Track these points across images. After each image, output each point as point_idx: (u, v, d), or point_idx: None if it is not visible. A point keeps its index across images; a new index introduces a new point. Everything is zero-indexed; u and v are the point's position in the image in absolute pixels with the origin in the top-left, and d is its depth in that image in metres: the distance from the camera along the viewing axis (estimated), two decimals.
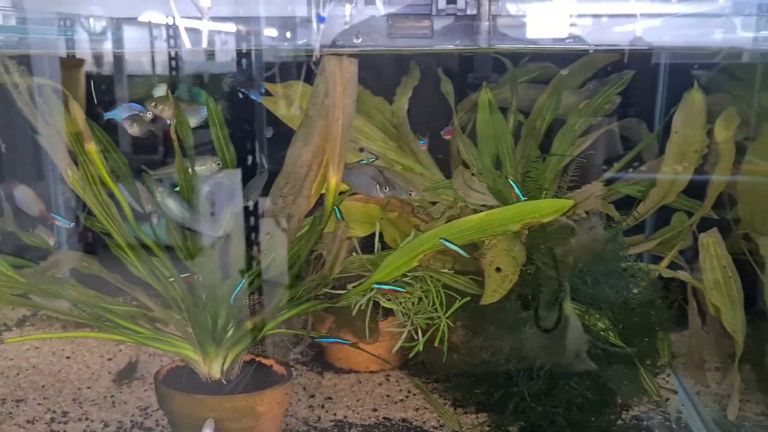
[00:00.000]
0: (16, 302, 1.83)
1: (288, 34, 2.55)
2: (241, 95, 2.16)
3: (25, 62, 1.62)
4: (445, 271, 1.82)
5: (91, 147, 1.59)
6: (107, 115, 1.75)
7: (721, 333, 1.94)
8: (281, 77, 2.43)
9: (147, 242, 1.73)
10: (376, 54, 2.49)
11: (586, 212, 2.04)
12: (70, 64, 2.33)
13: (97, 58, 2.64)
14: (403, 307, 1.78)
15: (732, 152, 1.83)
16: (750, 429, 1.88)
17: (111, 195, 1.66)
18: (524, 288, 1.88)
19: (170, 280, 1.74)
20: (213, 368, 1.83)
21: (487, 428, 1.95)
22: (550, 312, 1.88)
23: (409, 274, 1.79)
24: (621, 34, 2.33)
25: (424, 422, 2.00)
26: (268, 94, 2.15)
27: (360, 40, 1.87)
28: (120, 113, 1.69)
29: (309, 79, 2.43)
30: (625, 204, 2.22)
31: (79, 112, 1.56)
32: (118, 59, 2.67)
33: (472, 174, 1.99)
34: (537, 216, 1.64)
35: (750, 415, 1.97)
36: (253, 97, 2.04)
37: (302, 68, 2.45)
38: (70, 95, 1.59)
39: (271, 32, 2.70)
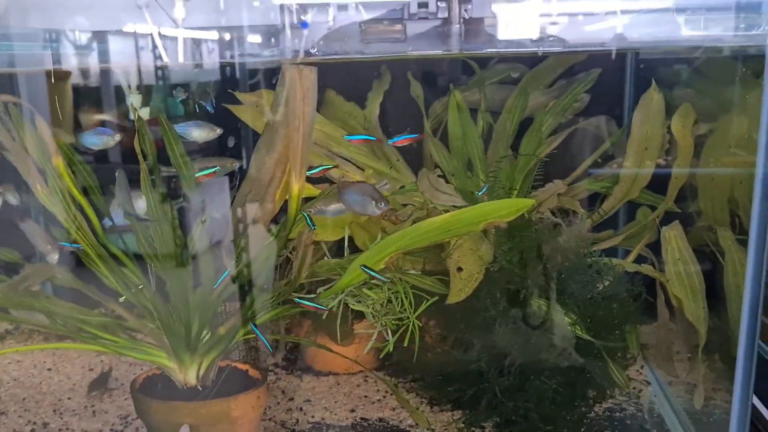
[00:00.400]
0: None
1: (272, 41, 2.59)
2: (196, 106, 2.19)
3: None
4: (413, 272, 1.85)
5: (59, 162, 1.62)
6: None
7: (688, 324, 1.97)
8: (266, 85, 2.48)
9: (116, 253, 1.76)
10: (351, 60, 2.53)
11: (552, 210, 2.08)
12: (56, 76, 2.36)
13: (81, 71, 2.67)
14: (373, 309, 1.81)
15: (690, 146, 1.87)
16: (719, 417, 1.91)
17: (81, 208, 1.69)
18: (494, 287, 1.92)
19: (140, 288, 1.77)
20: (188, 375, 1.85)
21: (462, 425, 1.98)
22: (523, 309, 1.91)
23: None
24: (592, 33, 2.38)
25: (400, 421, 2.03)
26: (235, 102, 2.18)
27: (316, 50, 1.90)
28: (88, 139, 1.71)
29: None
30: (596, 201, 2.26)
31: (45, 128, 1.59)
32: (104, 71, 2.70)
33: (439, 176, 2.02)
34: (499, 216, 1.68)
35: (720, 403, 2.00)
36: (207, 108, 2.07)
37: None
38: (35, 111, 1.62)
39: (254, 39, 2.74)
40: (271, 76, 2.45)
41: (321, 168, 1.78)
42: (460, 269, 1.75)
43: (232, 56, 2.46)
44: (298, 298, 1.76)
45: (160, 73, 2.58)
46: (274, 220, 1.70)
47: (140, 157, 1.63)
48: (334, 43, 2.19)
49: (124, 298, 1.77)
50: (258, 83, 2.49)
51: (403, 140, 1.81)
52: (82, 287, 1.79)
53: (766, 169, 1.33)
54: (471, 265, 1.78)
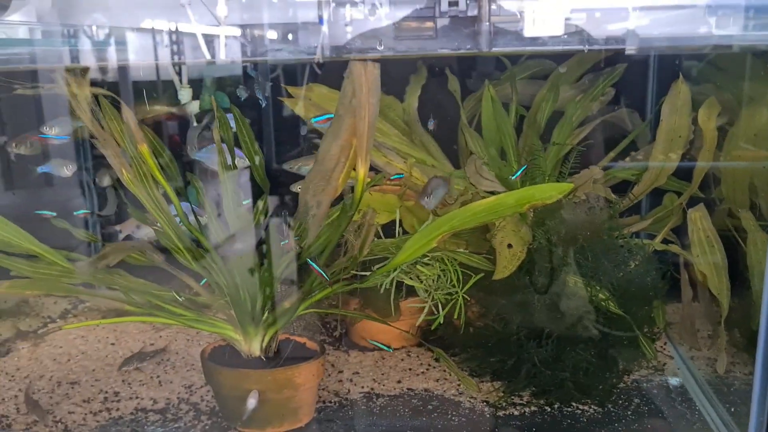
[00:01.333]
0: (72, 291, 2.02)
1: (290, 38, 2.75)
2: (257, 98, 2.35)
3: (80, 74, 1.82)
4: (461, 251, 2.02)
5: (144, 148, 1.78)
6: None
7: (710, 301, 2.14)
8: (285, 80, 2.64)
9: (196, 234, 1.92)
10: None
11: (586, 195, 2.24)
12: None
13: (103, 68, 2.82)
14: (425, 285, 1.98)
15: (714, 137, 2.03)
16: (738, 387, 2.08)
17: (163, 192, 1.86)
18: (532, 265, 2.08)
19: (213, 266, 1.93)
20: (253, 346, 2.02)
21: (502, 394, 2.14)
22: (552, 281, 2.08)
23: (428, 254, 1.99)
24: (615, 29, 2.54)
25: (444, 391, 2.19)
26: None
27: (382, 47, 2.06)
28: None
29: (314, 80, 2.64)
30: (623, 188, 2.42)
31: (131, 117, 1.75)
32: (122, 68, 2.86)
33: (483, 163, 2.18)
34: (541, 198, 1.85)
35: (739, 375, 2.16)
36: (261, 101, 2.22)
37: (305, 70, 2.66)
38: (123, 102, 1.79)
39: (272, 36, 2.88)
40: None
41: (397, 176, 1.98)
42: (510, 246, 1.91)
43: (265, 53, 2.63)
44: (309, 259, 1.91)
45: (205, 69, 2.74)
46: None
47: (218, 145, 1.79)
48: (368, 41, 2.35)
49: (204, 281, 1.93)
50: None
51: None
52: (160, 263, 1.95)
53: None
54: (515, 244, 1.94)
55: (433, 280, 1.96)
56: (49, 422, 2.02)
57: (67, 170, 2.23)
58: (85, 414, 2.08)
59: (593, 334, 2.03)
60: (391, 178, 2.02)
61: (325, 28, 2.51)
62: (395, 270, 1.98)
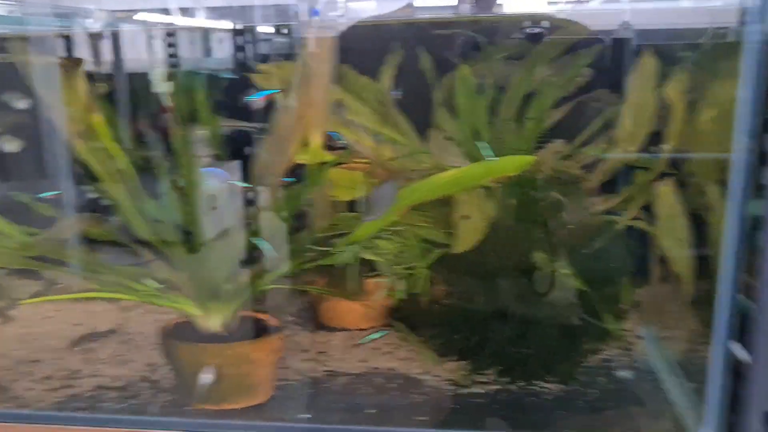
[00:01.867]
0: (29, 264, 2.00)
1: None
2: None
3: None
4: (423, 224, 1.99)
5: (98, 118, 1.76)
6: None
7: (678, 281, 2.10)
8: None
9: (152, 209, 1.90)
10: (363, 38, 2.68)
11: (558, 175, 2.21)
12: (68, 63, 2.51)
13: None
14: (385, 259, 1.96)
15: (683, 110, 1.99)
16: (703, 366, 2.05)
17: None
18: (498, 242, 2.05)
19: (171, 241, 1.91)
20: (213, 322, 2.00)
21: (466, 372, 2.12)
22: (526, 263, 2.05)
23: (390, 229, 1.97)
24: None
25: (409, 370, 2.17)
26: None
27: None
28: None
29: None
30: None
31: (83, 86, 1.73)
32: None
33: (448, 138, 2.16)
34: (503, 171, 1.83)
35: (705, 354, 2.13)
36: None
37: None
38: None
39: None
40: None
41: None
42: (466, 217, 1.88)
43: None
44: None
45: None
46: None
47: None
48: None
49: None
50: None
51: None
52: (115, 238, 1.94)
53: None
54: (477, 218, 1.92)
55: (394, 255, 1.93)
56: None
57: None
58: (44, 390, 2.07)
59: (556, 312, 2.00)
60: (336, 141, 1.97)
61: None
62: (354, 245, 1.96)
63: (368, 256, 1.95)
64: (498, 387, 2.06)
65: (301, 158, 1.81)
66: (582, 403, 1.96)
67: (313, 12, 2.65)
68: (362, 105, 2.57)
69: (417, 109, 2.63)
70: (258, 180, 1.81)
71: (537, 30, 2.74)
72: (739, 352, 1.63)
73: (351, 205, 2.20)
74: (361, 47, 2.83)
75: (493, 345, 2.07)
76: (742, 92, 1.48)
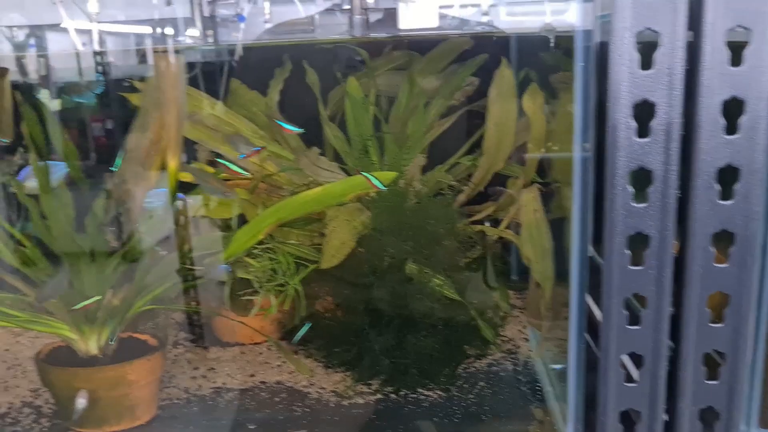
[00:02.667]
0: None
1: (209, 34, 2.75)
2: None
3: None
4: (292, 242, 2.02)
5: None
6: None
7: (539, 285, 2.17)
8: (204, 77, 2.62)
9: (15, 234, 1.89)
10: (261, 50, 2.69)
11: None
12: None
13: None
14: (255, 277, 1.98)
15: (541, 122, 2.06)
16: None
17: None
18: (372, 254, 2.09)
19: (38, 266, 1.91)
20: (89, 345, 2.00)
21: (350, 384, 2.15)
22: (398, 274, 2.10)
23: (258, 247, 1.99)
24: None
25: (295, 383, 2.20)
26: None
27: None
28: None
29: (232, 76, 2.64)
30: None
31: None
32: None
33: (320, 154, 2.19)
34: (366, 186, 1.86)
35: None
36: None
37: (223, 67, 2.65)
38: None
39: (192, 32, 2.87)
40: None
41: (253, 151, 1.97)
42: (323, 235, 1.92)
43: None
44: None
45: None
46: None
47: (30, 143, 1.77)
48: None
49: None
50: None
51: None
52: None
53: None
54: (344, 233, 1.95)
55: (264, 272, 1.96)
56: None
57: None
58: None
59: (432, 321, 2.05)
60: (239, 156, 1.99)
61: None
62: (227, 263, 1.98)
63: (240, 273, 1.97)
64: (379, 396, 2.10)
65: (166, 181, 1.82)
66: (459, 409, 2.01)
67: (239, 18, 2.66)
68: (243, 120, 2.58)
69: (308, 124, 2.66)
70: (118, 205, 1.81)
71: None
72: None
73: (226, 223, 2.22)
74: (252, 65, 2.85)
75: (372, 355, 2.11)
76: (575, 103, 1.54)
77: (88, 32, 2.64)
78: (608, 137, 1.29)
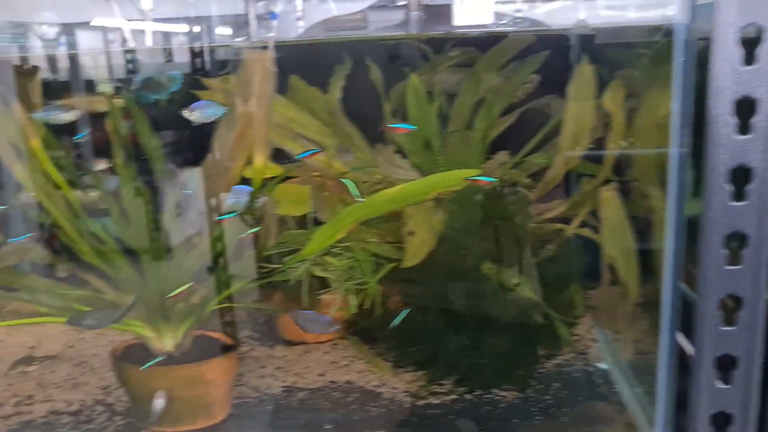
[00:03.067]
0: None
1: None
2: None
3: None
4: (371, 240, 2.00)
5: (35, 143, 1.73)
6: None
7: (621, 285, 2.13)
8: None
9: (96, 231, 1.88)
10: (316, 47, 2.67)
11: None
12: (24, 71, 2.47)
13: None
14: (335, 276, 1.95)
15: (621, 118, 2.02)
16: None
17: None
18: (449, 253, 2.06)
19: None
20: (165, 343, 1.98)
21: (423, 383, 2.13)
22: (476, 273, 2.07)
23: (338, 245, 1.96)
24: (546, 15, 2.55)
25: (366, 383, 2.17)
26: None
27: None
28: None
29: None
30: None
31: (21, 112, 1.70)
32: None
33: (395, 152, 2.16)
34: (446, 185, 1.83)
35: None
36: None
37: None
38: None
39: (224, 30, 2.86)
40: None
41: (309, 153, 1.94)
42: (411, 233, 1.89)
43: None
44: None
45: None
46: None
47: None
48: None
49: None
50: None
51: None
52: (58, 263, 1.91)
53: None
54: (424, 232, 1.93)
55: (344, 271, 1.93)
56: None
57: None
58: None
59: (508, 320, 2.02)
60: (297, 156, 1.96)
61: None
62: (305, 262, 1.95)
63: (318, 272, 1.95)
64: (454, 397, 2.07)
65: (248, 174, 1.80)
66: (537, 410, 1.99)
67: (272, 16, 2.65)
68: (311, 117, 2.57)
69: (368, 121, 2.64)
70: (204, 198, 1.80)
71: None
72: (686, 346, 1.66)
73: (301, 220, 2.20)
74: (309, 61, 2.83)
75: (447, 355, 2.08)
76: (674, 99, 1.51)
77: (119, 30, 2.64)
78: (708, 134, 1.26)
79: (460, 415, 1.99)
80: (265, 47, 1.64)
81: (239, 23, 2.83)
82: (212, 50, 2.75)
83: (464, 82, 2.59)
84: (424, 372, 2.16)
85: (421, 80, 2.54)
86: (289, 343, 2.44)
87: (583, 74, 2.05)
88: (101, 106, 2.01)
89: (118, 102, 1.82)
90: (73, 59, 2.70)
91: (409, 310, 1.95)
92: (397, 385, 2.15)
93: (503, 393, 2.08)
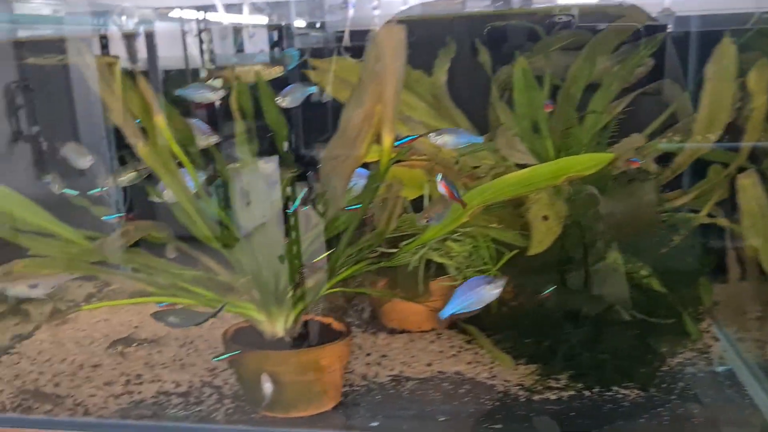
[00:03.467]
0: (92, 270, 1.96)
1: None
2: None
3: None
4: (494, 226, 1.91)
5: (159, 119, 1.71)
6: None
7: (760, 279, 2.00)
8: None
9: (214, 210, 1.85)
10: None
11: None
12: (105, 61, 2.47)
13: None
14: (455, 262, 1.88)
15: (764, 102, 1.89)
16: None
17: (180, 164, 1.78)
18: (568, 241, 1.97)
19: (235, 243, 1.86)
20: (276, 327, 1.94)
21: (538, 377, 2.04)
22: (598, 263, 1.97)
23: (458, 230, 1.89)
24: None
25: (476, 374, 2.10)
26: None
27: None
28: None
29: None
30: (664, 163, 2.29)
31: (146, 87, 1.68)
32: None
33: (515, 135, 2.08)
34: (578, 169, 1.73)
35: None
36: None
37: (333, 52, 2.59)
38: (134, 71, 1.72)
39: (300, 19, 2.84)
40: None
41: (408, 139, 1.86)
42: (545, 218, 1.80)
43: None
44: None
45: None
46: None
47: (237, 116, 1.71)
48: None
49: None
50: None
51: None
52: (178, 243, 1.89)
53: None
54: (551, 218, 1.83)
55: (464, 257, 1.86)
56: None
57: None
58: (107, 397, 2.03)
59: (633, 315, 1.91)
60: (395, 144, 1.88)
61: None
62: (423, 247, 1.89)
63: (437, 258, 1.87)
64: (572, 392, 1.97)
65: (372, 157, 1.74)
66: (666, 411, 1.87)
67: (347, 3, 2.60)
68: (417, 99, 2.50)
69: (470, 104, 2.56)
70: (325, 182, 1.74)
71: (564, 19, 2.66)
72: None
73: (416, 205, 2.14)
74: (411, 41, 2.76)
75: (565, 348, 1.99)
76: None
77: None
78: None
79: (579, 413, 1.89)
80: (401, 21, 1.56)
81: (313, 9, 2.81)
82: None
83: (575, 64, 2.48)
84: (539, 365, 2.07)
85: (529, 62, 2.45)
86: (392, 332, 2.38)
87: (725, 54, 1.91)
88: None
89: (275, 71, 1.78)
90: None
91: (554, 287, 1.86)
92: (509, 377, 2.06)
93: (625, 391, 1.97)
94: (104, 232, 2.01)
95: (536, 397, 1.96)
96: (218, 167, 1.88)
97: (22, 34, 2.80)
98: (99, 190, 2.00)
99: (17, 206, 1.86)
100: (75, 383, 2.11)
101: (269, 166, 1.91)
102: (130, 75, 1.75)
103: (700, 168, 2.26)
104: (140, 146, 1.75)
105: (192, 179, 1.78)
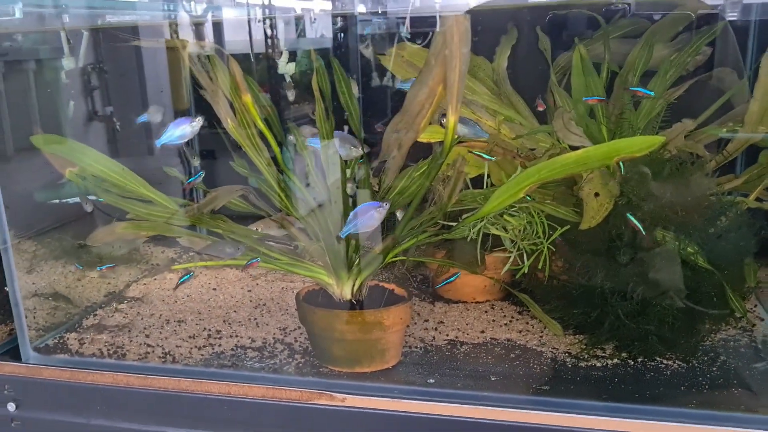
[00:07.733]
0: (181, 233, 2.18)
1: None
2: None
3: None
4: (548, 202, 2.05)
5: (247, 98, 1.91)
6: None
7: None
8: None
9: (295, 182, 2.05)
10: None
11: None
12: (173, 46, 2.69)
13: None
14: (511, 235, 2.03)
15: None
16: None
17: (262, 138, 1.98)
18: (619, 218, 2.09)
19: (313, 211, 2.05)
20: (345, 290, 2.13)
21: (584, 346, 2.18)
22: (646, 239, 2.08)
23: (515, 205, 2.04)
24: None
25: (527, 342, 2.25)
26: None
27: None
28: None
29: None
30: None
31: (238, 69, 1.88)
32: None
33: (571, 118, 2.20)
34: (630, 151, 1.86)
35: None
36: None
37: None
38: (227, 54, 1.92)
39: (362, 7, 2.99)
40: None
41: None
42: (597, 195, 1.93)
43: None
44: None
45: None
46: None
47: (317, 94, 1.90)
48: None
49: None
50: None
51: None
52: (260, 209, 2.09)
53: None
54: (603, 195, 1.96)
55: (520, 231, 2.00)
56: None
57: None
58: (191, 348, 2.26)
59: (680, 290, 2.02)
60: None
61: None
62: (482, 220, 2.04)
63: (494, 231, 2.03)
64: (617, 361, 2.11)
65: (434, 137, 1.90)
66: (705, 381, 1.99)
67: None
68: (479, 84, 2.64)
69: (527, 89, 2.68)
70: (385, 153, 1.91)
71: (622, 8, 2.74)
72: None
73: (475, 183, 2.29)
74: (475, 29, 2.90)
75: (612, 320, 2.12)
76: None
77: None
78: None
79: (622, 380, 2.02)
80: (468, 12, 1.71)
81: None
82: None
83: (633, 51, 2.58)
84: (586, 335, 2.20)
85: (588, 49, 2.57)
86: (448, 301, 2.55)
87: None
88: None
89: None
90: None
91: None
92: (557, 345, 2.21)
93: (667, 361, 2.09)
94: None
95: (582, 364, 2.10)
96: (297, 144, 2.06)
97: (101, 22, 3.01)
98: (197, 177, 2.23)
99: (119, 175, 2.08)
100: (163, 335, 2.35)
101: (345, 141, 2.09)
102: (221, 57, 1.95)
103: (753, 153, 2.35)
104: (229, 123, 1.95)
105: (276, 154, 1.97)
